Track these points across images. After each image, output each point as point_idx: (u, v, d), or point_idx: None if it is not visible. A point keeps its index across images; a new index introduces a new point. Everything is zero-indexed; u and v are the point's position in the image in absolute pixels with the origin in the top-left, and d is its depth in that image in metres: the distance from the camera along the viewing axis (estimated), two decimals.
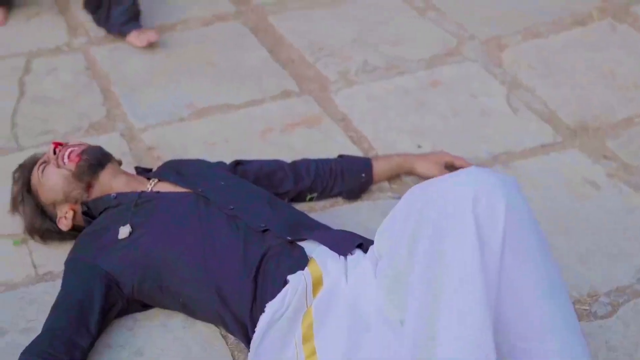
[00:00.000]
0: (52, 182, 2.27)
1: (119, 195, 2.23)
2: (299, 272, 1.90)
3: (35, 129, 2.88)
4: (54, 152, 2.31)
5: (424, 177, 2.60)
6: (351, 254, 1.95)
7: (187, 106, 3.00)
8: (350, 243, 1.98)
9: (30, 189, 2.35)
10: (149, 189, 2.25)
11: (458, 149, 2.75)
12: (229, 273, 1.99)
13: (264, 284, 1.95)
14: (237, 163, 2.49)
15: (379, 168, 2.58)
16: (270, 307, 1.88)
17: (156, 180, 2.28)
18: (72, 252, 2.20)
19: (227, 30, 3.44)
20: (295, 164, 2.53)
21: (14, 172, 2.42)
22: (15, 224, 2.47)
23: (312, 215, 2.49)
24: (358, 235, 2.08)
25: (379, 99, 3.03)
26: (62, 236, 2.38)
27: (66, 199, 2.28)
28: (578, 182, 2.63)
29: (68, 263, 2.16)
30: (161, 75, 3.16)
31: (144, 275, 2.10)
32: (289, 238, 2.02)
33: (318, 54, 3.29)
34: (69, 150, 2.30)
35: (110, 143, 2.79)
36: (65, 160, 2.27)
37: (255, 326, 1.93)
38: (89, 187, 2.26)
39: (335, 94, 3.07)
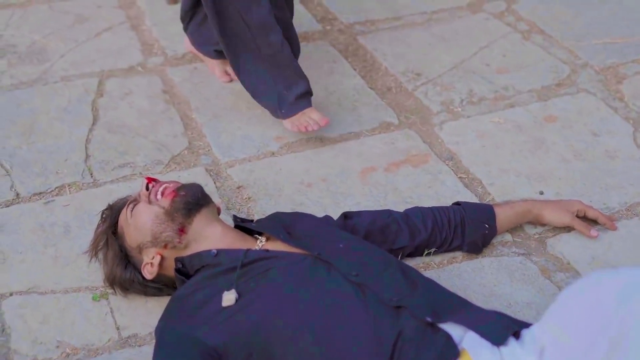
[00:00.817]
0: (141, 221, 2.01)
1: (221, 252, 1.95)
2: None
3: (111, 162, 2.61)
4: (147, 188, 2.03)
5: (552, 226, 2.32)
6: (505, 345, 1.64)
7: (276, 138, 2.71)
8: (505, 330, 1.68)
9: (117, 230, 2.08)
10: (257, 248, 1.97)
11: (584, 196, 2.44)
12: (357, 354, 1.70)
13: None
14: (345, 216, 2.20)
15: (502, 216, 2.27)
16: None
17: (264, 238, 2.00)
18: (165, 319, 1.92)
19: (315, 51, 3.15)
20: (409, 216, 2.23)
21: (102, 212, 2.15)
22: (93, 275, 2.20)
23: (429, 273, 2.19)
24: (507, 316, 1.77)
25: (490, 136, 2.72)
26: (145, 289, 2.10)
27: (154, 242, 2.00)
28: None
29: (162, 333, 1.88)
30: (246, 101, 2.87)
31: (251, 351, 1.81)
32: (429, 319, 1.71)
33: (416, 81, 2.99)
34: (164, 186, 2.03)
35: (195, 179, 2.51)
36: (159, 196, 2.01)
37: None
38: (181, 230, 1.98)
39: (439, 127, 2.76)
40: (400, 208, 2.29)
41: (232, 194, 2.49)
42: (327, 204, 2.43)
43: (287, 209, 2.40)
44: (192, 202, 2.00)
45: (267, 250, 1.93)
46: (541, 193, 2.48)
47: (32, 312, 2.11)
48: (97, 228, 2.14)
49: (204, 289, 1.91)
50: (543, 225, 2.33)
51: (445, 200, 2.43)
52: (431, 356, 1.64)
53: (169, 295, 2.08)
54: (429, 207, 2.28)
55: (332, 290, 1.80)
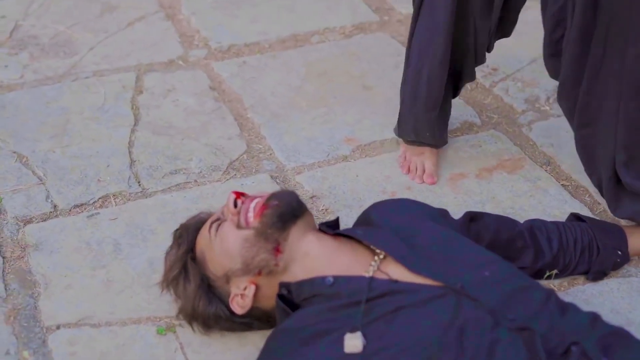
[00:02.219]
0: (229, 245, 1.66)
1: (339, 280, 1.60)
2: None
3: (160, 168, 2.26)
4: (235, 205, 1.69)
5: None
6: None
7: (347, 140, 2.38)
8: None
9: (196, 256, 1.73)
10: (373, 269, 1.62)
11: None
12: None
13: None
14: (472, 219, 1.87)
15: (635, 242, 1.95)
16: None
17: (382, 255, 1.65)
18: (268, 357, 1.57)
19: (374, 44, 2.82)
20: (533, 231, 1.90)
21: (175, 233, 1.80)
22: (155, 302, 1.85)
23: None
24: None
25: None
26: (232, 325, 1.75)
27: (246, 269, 1.66)
28: None
29: None
30: (307, 99, 2.54)
31: None
32: None
33: (493, 77, 2.67)
34: (255, 201, 1.69)
35: (259, 188, 2.18)
36: (250, 215, 1.67)
37: None
38: (277, 250, 1.64)
39: (528, 128, 2.44)
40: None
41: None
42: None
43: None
44: (287, 212, 1.66)
45: (396, 282, 1.58)
46: None
47: (85, 349, 1.76)
48: (169, 253, 1.79)
49: (318, 325, 1.57)
50: None
51: (553, 211, 2.11)
52: None
53: (259, 330, 1.75)
54: (553, 223, 1.95)
55: (483, 339, 1.46)
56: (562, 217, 2.07)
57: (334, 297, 1.59)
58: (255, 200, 1.70)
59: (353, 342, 1.51)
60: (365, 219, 1.82)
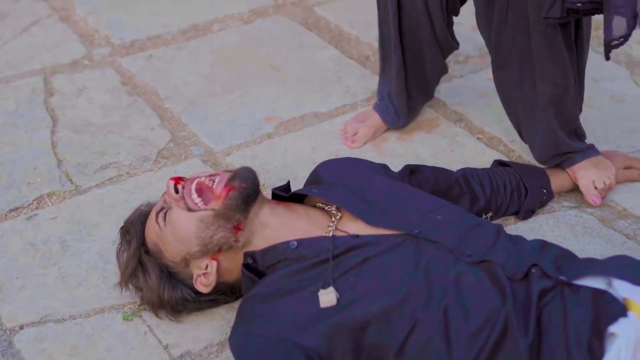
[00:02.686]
0: (182, 230, 1.68)
1: (302, 243, 1.66)
2: (623, 320, 1.39)
3: (90, 164, 2.26)
4: (176, 191, 1.71)
5: None
6: None
7: (268, 119, 2.44)
8: None
9: (149, 249, 1.75)
10: (332, 229, 1.69)
11: (609, 142, 2.32)
12: (498, 341, 1.48)
13: (551, 343, 1.43)
14: (411, 171, 1.97)
15: (556, 179, 2.11)
16: None
17: (336, 212, 1.72)
18: (245, 325, 1.63)
19: (274, 27, 2.89)
20: (467, 178, 2.02)
21: (120, 233, 1.81)
22: (115, 291, 1.86)
23: None
24: (630, 257, 1.60)
25: (491, 93, 2.54)
26: (200, 306, 1.79)
27: (204, 250, 1.69)
28: None
29: (245, 342, 1.59)
30: (220, 85, 2.58)
31: (359, 353, 1.56)
32: (564, 278, 1.51)
33: None
34: (195, 182, 1.71)
35: (193, 171, 2.20)
36: (194, 197, 1.69)
37: None
38: (237, 228, 1.67)
39: (437, 91, 2.56)
40: None
41: None
42: None
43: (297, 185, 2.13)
44: (252, 193, 1.68)
45: (357, 236, 1.66)
46: None
47: (54, 344, 1.76)
48: (120, 251, 1.80)
49: (288, 287, 1.63)
50: None
51: (473, 162, 2.24)
52: (583, 313, 1.44)
53: (225, 304, 1.79)
54: (483, 169, 2.08)
55: (448, 277, 1.56)
56: (482, 166, 2.20)
57: (299, 260, 1.65)
58: (196, 180, 1.71)
59: (328, 297, 1.58)
60: (315, 179, 1.88)
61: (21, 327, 1.80)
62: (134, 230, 1.78)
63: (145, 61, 2.69)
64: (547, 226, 2.06)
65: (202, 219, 1.67)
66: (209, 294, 1.75)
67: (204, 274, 1.72)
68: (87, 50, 2.75)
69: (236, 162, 2.26)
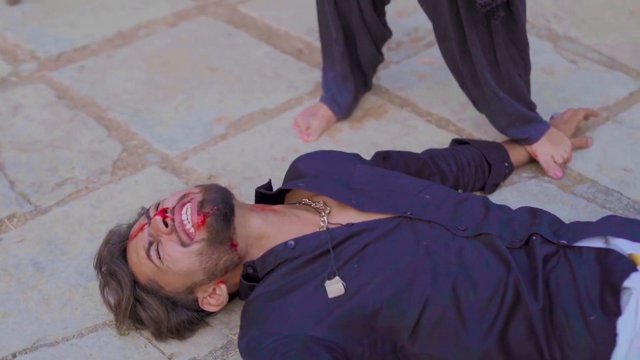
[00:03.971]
0: (184, 265, 1.64)
1: (299, 241, 1.66)
2: (635, 274, 1.46)
3: (45, 182, 2.18)
4: (166, 225, 1.65)
5: None
6: None
7: (217, 120, 2.42)
8: None
9: (143, 286, 1.69)
10: (325, 224, 1.70)
11: (548, 113, 2.41)
12: (510, 308, 1.53)
13: (564, 304, 1.49)
14: (384, 157, 2.00)
15: (513, 153, 2.18)
16: (624, 327, 1.43)
17: (327, 209, 1.73)
18: (253, 327, 1.61)
19: (201, 28, 2.86)
20: (434, 159, 2.07)
21: (100, 274, 1.74)
22: (103, 306, 1.81)
23: None
24: (619, 216, 1.68)
25: (430, 76, 2.61)
26: (203, 323, 1.77)
27: (212, 277, 1.66)
28: None
29: (259, 343, 1.57)
30: (161, 90, 2.54)
31: (374, 339, 1.58)
32: (565, 242, 1.57)
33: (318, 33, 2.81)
34: (185, 209, 1.65)
35: (155, 181, 2.18)
36: (189, 228, 1.63)
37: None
38: (233, 246, 1.65)
39: (377, 78, 2.60)
40: None
41: None
42: None
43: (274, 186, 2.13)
44: (227, 210, 1.64)
45: (352, 225, 1.67)
46: None
47: None
48: (109, 293, 1.73)
49: (292, 283, 1.62)
50: None
51: (428, 144, 2.30)
52: (590, 272, 1.51)
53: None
54: (445, 149, 2.13)
55: (449, 252, 1.60)
56: (438, 147, 2.25)
57: (299, 257, 1.65)
58: (185, 208, 1.65)
59: (335, 287, 1.59)
60: (296, 174, 1.87)
61: (14, 356, 1.73)
62: (121, 270, 1.70)
63: (77, 73, 2.62)
64: (512, 198, 2.13)
65: (200, 252, 1.63)
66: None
67: (210, 295, 1.69)
68: (12, 67, 2.66)
69: (196, 165, 2.24)
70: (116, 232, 1.78)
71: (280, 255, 1.65)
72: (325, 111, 2.37)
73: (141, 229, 1.69)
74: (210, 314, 1.77)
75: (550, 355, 1.50)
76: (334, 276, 1.59)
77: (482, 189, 2.13)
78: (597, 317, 1.47)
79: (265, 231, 1.69)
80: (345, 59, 2.29)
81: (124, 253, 1.73)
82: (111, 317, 1.80)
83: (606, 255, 1.52)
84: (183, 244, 1.63)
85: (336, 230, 1.67)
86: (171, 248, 1.63)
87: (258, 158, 2.27)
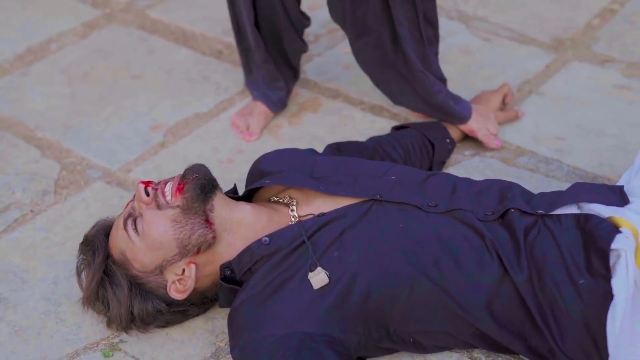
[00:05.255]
0: (159, 234, 1.63)
1: (274, 236, 1.66)
2: (620, 236, 1.54)
3: None
4: (147, 194, 1.65)
5: None
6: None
7: (153, 128, 2.38)
8: (616, 191, 1.67)
9: (115, 260, 1.68)
10: (295, 217, 1.70)
11: (474, 93, 2.50)
12: (493, 284, 1.58)
13: (551, 272, 1.56)
14: (338, 149, 2.03)
15: (451, 129, 2.25)
16: (620, 286, 1.49)
17: (294, 201, 1.73)
18: (245, 331, 1.60)
19: (116, 36, 2.80)
20: (381, 145, 2.10)
21: (82, 250, 1.72)
22: (83, 329, 1.77)
23: None
24: (586, 182, 1.76)
25: (354, 64, 2.65)
26: (169, 317, 1.73)
27: (184, 252, 1.65)
28: (610, 87, 2.52)
29: (255, 348, 1.57)
30: (87, 103, 2.47)
31: (368, 326, 1.60)
32: (542, 212, 1.64)
33: None
34: (169, 184, 1.68)
35: (103, 196, 2.13)
36: (168, 193, 1.65)
37: (549, 328, 1.55)
38: (208, 222, 1.64)
39: (303, 72, 2.62)
40: None
41: None
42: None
43: (225, 189, 2.12)
44: (207, 182, 1.66)
45: (324, 214, 1.69)
46: None
47: None
48: (83, 267, 1.71)
49: (275, 282, 1.62)
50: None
51: (368, 132, 2.33)
52: (573, 239, 1.58)
53: (194, 316, 1.76)
54: (389, 135, 2.18)
55: (425, 230, 1.63)
56: (379, 134, 2.29)
57: (275, 253, 1.65)
58: (169, 183, 1.68)
59: (319, 277, 1.59)
60: (258, 174, 1.87)
61: None
62: (98, 241, 1.70)
63: None
64: (460, 176, 2.19)
65: (174, 219, 1.63)
66: (180, 304, 1.70)
67: (179, 279, 1.67)
68: None
69: (142, 176, 2.20)
70: (107, 218, 1.80)
71: (256, 253, 1.65)
72: (261, 108, 2.37)
73: (126, 206, 1.71)
74: (182, 315, 1.74)
75: (544, 323, 1.56)
76: (316, 267, 1.60)
77: (429, 168, 2.18)
78: (585, 280, 1.54)
79: (245, 218, 1.69)
80: (270, 63, 2.30)
81: (108, 231, 1.74)
82: (91, 339, 1.75)
83: (586, 221, 1.59)
84: (159, 207, 1.64)
85: (308, 221, 1.68)
86: (150, 215, 1.65)
87: (204, 162, 2.23)
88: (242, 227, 1.69)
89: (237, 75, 2.59)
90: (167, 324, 1.74)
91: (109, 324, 1.72)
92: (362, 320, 1.60)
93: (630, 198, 1.66)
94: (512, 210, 1.65)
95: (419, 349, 1.66)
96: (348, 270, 1.60)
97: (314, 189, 1.72)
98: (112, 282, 1.68)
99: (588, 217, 1.60)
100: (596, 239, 1.55)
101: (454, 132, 2.25)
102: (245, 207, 1.72)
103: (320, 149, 2.23)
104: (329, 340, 1.56)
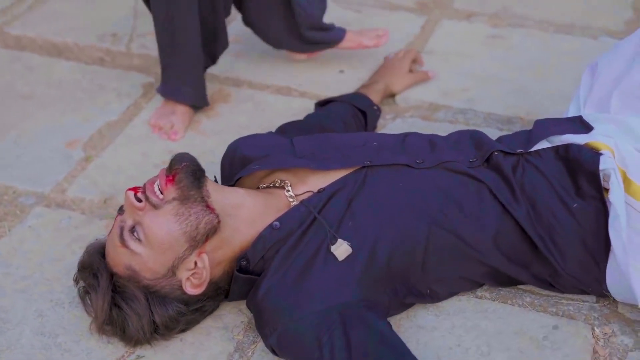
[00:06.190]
0: (164, 233, 1.59)
1: (282, 220, 1.66)
2: (603, 157, 1.68)
3: None
4: (139, 200, 1.61)
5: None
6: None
7: (69, 145, 2.27)
8: (577, 122, 1.82)
9: (122, 276, 1.62)
10: (293, 198, 1.72)
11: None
12: (495, 222, 1.68)
13: (545, 202, 1.69)
14: (283, 132, 2.08)
15: (374, 97, 2.34)
16: (617, 198, 1.64)
17: (287, 183, 1.74)
18: (280, 316, 1.59)
19: None
20: (321, 123, 2.15)
21: (79, 277, 1.67)
22: (100, 352, 1.68)
23: None
24: (547, 118, 1.91)
25: (243, 52, 2.66)
26: (189, 318, 1.69)
27: (194, 243, 1.61)
28: (484, 38, 2.71)
29: (295, 332, 1.57)
30: None
31: (394, 286, 1.67)
32: (521, 150, 1.76)
33: (117, 41, 2.72)
34: (156, 183, 1.63)
35: (49, 220, 2.02)
36: (157, 192, 1.61)
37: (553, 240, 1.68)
38: (209, 207, 1.61)
39: None
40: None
41: (106, 211, 2.04)
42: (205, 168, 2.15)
43: None
44: (197, 168, 1.63)
45: (323, 189, 1.71)
46: (341, 71, 2.57)
47: None
48: (87, 292, 1.64)
49: (297, 265, 1.63)
50: (393, 95, 2.44)
51: (292, 114, 2.35)
52: (558, 168, 1.71)
53: (210, 313, 1.74)
54: (322, 110, 2.23)
55: (423, 185, 1.71)
56: (304, 114, 2.33)
57: (289, 236, 1.66)
58: (156, 182, 1.63)
59: (342, 249, 1.62)
60: (242, 160, 1.85)
61: None
62: (97, 263, 1.63)
63: None
64: None
65: (175, 213, 1.60)
66: (197, 301, 1.67)
67: (192, 274, 1.64)
68: None
69: (81, 194, 2.10)
70: (95, 241, 1.73)
71: (269, 239, 1.65)
72: (182, 107, 2.33)
73: (115, 224, 1.65)
74: (200, 313, 1.71)
75: (546, 249, 1.69)
76: (336, 240, 1.63)
77: None
78: (578, 204, 1.69)
79: (242, 201, 1.68)
80: (200, 61, 2.28)
81: (103, 251, 1.67)
82: None
83: (567, 150, 1.73)
84: (155, 207, 1.60)
85: (312, 199, 1.70)
86: (149, 219, 1.59)
87: (140, 169, 2.18)
88: (243, 210, 1.67)
89: (132, 79, 2.53)
90: (188, 325, 1.70)
91: (128, 341, 1.65)
92: (389, 280, 1.65)
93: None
94: (495, 153, 1.76)
95: (433, 299, 1.74)
96: (368, 237, 1.64)
97: (306, 167, 1.74)
98: (125, 298, 1.61)
99: (568, 147, 1.74)
100: (582, 164, 1.70)
101: (374, 95, 2.34)
102: (239, 191, 1.71)
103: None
104: (367, 304, 1.60)
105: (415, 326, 1.72)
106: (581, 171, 1.70)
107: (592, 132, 1.79)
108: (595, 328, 1.71)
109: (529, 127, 2.28)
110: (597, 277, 1.70)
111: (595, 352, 1.66)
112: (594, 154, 1.70)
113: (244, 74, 2.56)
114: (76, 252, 1.90)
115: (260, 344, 1.69)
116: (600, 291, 1.72)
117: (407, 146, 1.82)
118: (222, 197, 1.65)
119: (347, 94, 2.35)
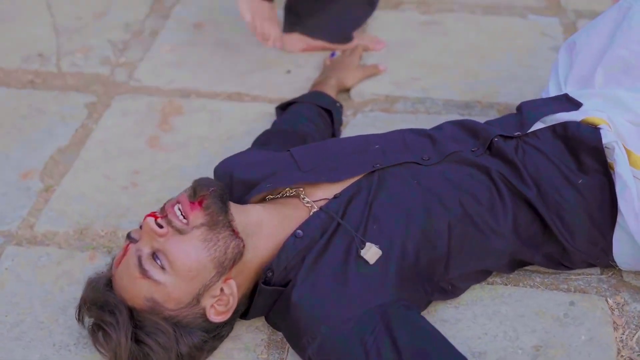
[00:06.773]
0: (194, 258, 1.52)
1: (305, 228, 1.62)
2: (602, 132, 1.71)
3: None
4: (160, 226, 1.53)
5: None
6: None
7: (24, 176, 2.14)
8: (563, 99, 1.85)
9: (143, 309, 1.54)
10: (311, 204, 1.67)
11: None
12: (511, 207, 1.69)
13: (550, 181, 1.71)
14: (262, 144, 2.03)
15: (332, 94, 2.31)
16: (623, 170, 1.66)
17: (302, 190, 1.70)
18: (320, 322, 1.54)
19: None
20: (293, 127, 2.10)
21: (90, 315, 1.57)
22: None
23: None
24: (535, 99, 1.92)
25: (180, 60, 2.58)
26: (210, 345, 1.62)
27: (222, 269, 1.55)
28: (419, 25, 2.73)
29: (335, 334, 1.53)
30: None
31: (422, 283, 1.65)
32: (519, 133, 1.77)
33: (46, 61, 2.58)
34: (177, 207, 1.56)
35: (24, 258, 1.90)
36: (181, 218, 1.54)
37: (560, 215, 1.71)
38: (235, 231, 1.56)
39: (136, 80, 2.49)
40: (238, 148, 2.04)
41: (84, 242, 1.93)
42: (178, 184, 2.05)
43: (143, 213, 1.90)
44: (223, 192, 1.58)
45: (340, 194, 1.68)
46: (288, 72, 2.53)
47: None
48: (105, 332, 1.53)
49: (327, 272, 1.59)
50: (347, 90, 2.42)
51: (255, 117, 2.30)
52: (558, 147, 1.73)
53: (227, 336, 1.67)
54: (289, 114, 2.18)
55: (438, 180, 1.70)
56: (264, 119, 2.29)
57: (313, 243, 1.62)
58: (176, 206, 1.56)
59: (372, 252, 1.59)
60: (237, 186, 1.77)
61: None
62: (111, 298, 1.54)
63: None
64: (357, 133, 2.26)
65: (203, 239, 1.53)
66: (216, 327, 1.60)
67: (217, 301, 1.58)
68: None
69: (52, 227, 1.98)
70: (96, 275, 1.62)
71: (293, 248, 1.61)
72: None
73: (125, 252, 1.56)
74: (219, 339, 1.64)
75: (556, 227, 1.71)
76: (364, 244, 1.61)
77: (332, 135, 2.22)
78: (583, 180, 1.72)
79: (263, 218, 1.63)
80: None
81: (110, 284, 1.58)
82: None
83: (565, 128, 1.76)
84: (180, 232, 1.53)
85: (330, 205, 1.67)
86: (175, 245, 1.52)
87: (108, 194, 2.07)
88: (262, 228, 1.62)
89: (72, 99, 2.41)
90: (209, 352, 1.63)
91: None
92: (418, 279, 1.63)
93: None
94: (496, 139, 1.77)
95: (455, 294, 1.73)
96: (395, 237, 1.62)
97: (319, 181, 1.70)
98: (148, 333, 1.53)
99: (565, 125, 1.77)
100: (583, 140, 1.72)
101: (331, 94, 2.31)
102: (256, 207, 1.66)
103: (213, 148, 2.20)
104: (404, 304, 1.58)
105: (439, 320, 1.71)
106: (582, 147, 1.72)
107: (582, 109, 1.82)
108: (608, 299, 1.75)
109: (489, 110, 2.34)
110: (604, 248, 1.74)
111: (613, 322, 1.70)
112: (594, 129, 1.73)
113: (189, 83, 2.48)
114: (65, 290, 1.80)
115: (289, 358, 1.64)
116: (607, 262, 1.77)
117: (409, 144, 1.80)
118: (245, 217, 1.60)
119: (306, 94, 2.31)
